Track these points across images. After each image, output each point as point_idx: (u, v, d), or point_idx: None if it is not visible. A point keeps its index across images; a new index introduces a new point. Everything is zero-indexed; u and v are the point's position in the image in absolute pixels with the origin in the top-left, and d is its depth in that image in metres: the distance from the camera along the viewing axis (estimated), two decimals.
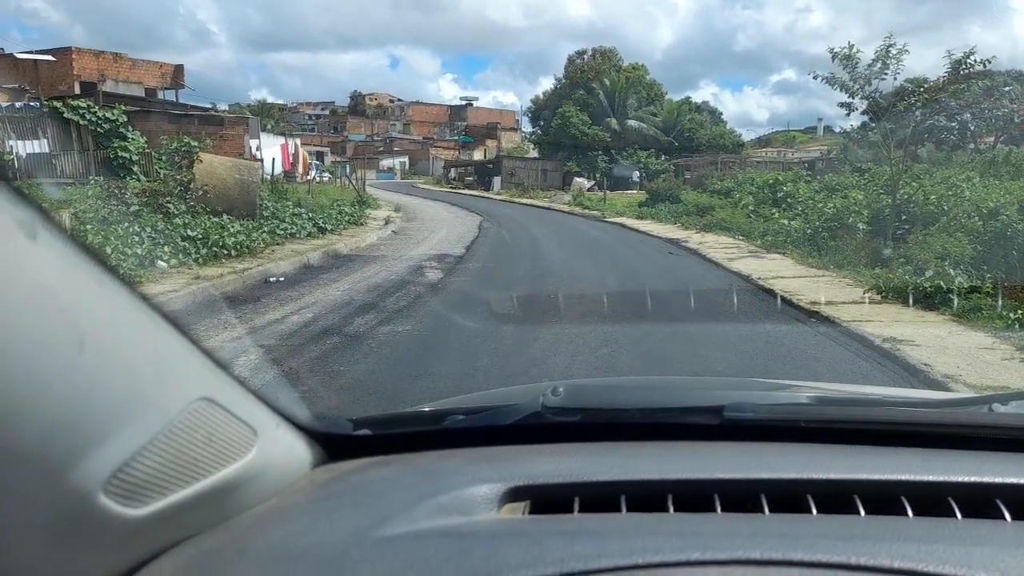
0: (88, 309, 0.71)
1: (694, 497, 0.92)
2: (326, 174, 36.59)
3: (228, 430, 0.88)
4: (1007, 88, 21.78)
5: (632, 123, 43.41)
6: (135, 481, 0.72)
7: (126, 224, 10.57)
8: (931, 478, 0.94)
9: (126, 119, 18.99)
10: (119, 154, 18.18)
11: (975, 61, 12.61)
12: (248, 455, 0.91)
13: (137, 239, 10.04)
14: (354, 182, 28.72)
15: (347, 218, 18.35)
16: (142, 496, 0.74)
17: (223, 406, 0.86)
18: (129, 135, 18.74)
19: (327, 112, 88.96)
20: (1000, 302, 7.73)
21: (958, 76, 12.86)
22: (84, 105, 18.88)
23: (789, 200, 19.75)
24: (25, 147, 18.29)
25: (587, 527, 0.87)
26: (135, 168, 18.14)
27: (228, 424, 0.88)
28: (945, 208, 12.61)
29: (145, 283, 8.74)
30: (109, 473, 0.69)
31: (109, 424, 0.70)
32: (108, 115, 18.68)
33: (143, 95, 30.78)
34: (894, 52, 12.45)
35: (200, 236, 11.05)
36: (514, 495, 0.93)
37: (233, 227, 12.37)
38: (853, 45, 12.75)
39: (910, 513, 0.89)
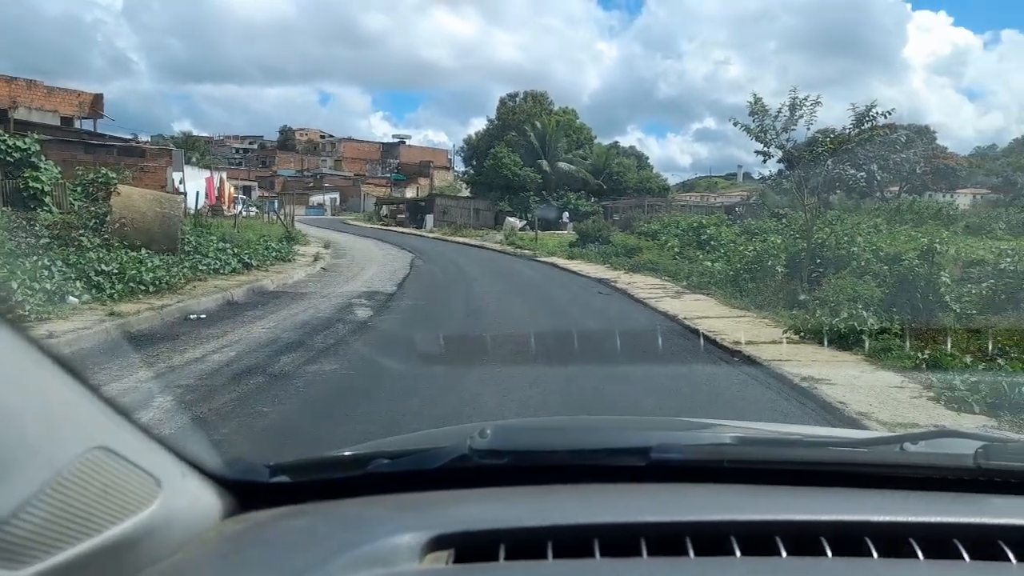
0: None
1: (621, 541, 0.92)
2: (253, 209, 35.78)
3: (127, 480, 0.83)
4: (905, 139, 23.43)
5: (563, 165, 44.32)
6: (15, 540, 0.66)
7: (35, 258, 10.03)
8: (848, 518, 0.97)
9: (39, 148, 18.10)
10: (30, 184, 17.24)
11: (876, 113, 13.52)
12: (150, 507, 0.86)
13: (47, 273, 9.52)
14: (282, 217, 28.20)
15: (274, 254, 17.95)
16: (24, 556, 0.68)
17: (121, 455, 0.82)
18: (41, 165, 17.83)
19: (255, 146, 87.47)
20: (908, 343, 8.15)
21: (862, 127, 13.72)
22: None
23: (712, 243, 20.48)
24: None
25: None
26: (47, 200, 17.24)
27: (127, 474, 0.83)
28: (855, 252, 13.32)
29: (54, 319, 8.28)
30: None
31: None
32: (19, 144, 17.76)
33: (59, 124, 29.53)
34: (807, 104, 13.22)
35: (115, 271, 10.57)
36: (438, 543, 0.91)
37: (152, 262, 11.88)
38: (760, 99, 13.51)
39: (829, 554, 0.91)
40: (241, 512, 1.07)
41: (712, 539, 0.93)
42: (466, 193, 51.67)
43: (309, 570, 0.83)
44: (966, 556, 0.91)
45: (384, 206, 54.09)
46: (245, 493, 1.10)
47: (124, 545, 0.81)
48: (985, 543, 0.93)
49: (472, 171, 51.28)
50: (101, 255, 11.23)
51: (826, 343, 8.81)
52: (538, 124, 45.97)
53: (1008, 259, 11.80)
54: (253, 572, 0.87)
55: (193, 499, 0.99)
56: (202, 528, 0.98)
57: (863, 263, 12.81)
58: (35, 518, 0.69)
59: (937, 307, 10.30)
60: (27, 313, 8.13)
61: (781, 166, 16.58)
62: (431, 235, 37.93)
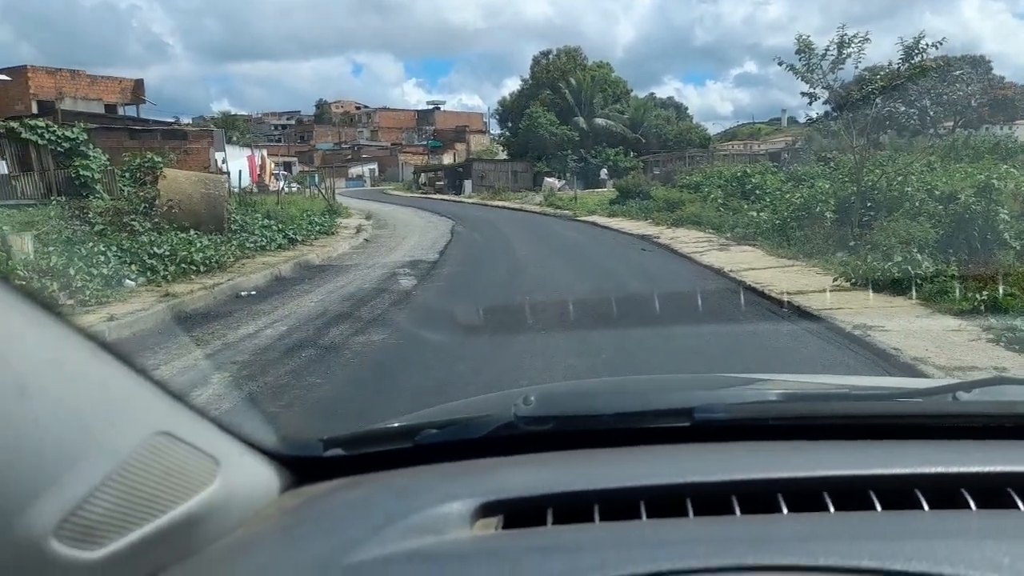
0: (28, 353, 0.70)
1: (667, 502, 0.93)
2: (295, 184, 36.27)
3: (187, 462, 0.86)
4: (959, 72, 22.32)
5: (600, 121, 43.62)
6: (88, 523, 0.71)
7: (90, 244, 10.38)
8: (897, 471, 0.96)
9: (86, 137, 18.64)
10: (81, 173, 17.84)
11: (927, 45, 12.87)
12: (211, 486, 0.89)
13: (103, 259, 9.85)
14: (323, 191, 28.52)
15: (318, 228, 18.20)
16: (97, 538, 0.72)
17: (180, 438, 0.85)
18: (90, 153, 18.39)
19: (293, 122, 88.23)
20: (964, 285, 7.89)
21: (911, 62, 13.10)
22: (42, 124, 18.50)
23: (757, 192, 19.99)
24: None
25: (559, 541, 0.87)
26: (98, 187, 17.81)
27: (187, 456, 0.86)
28: (908, 193, 12.85)
29: (113, 302, 8.59)
30: (60, 518, 0.68)
31: (57, 468, 0.69)
32: (68, 134, 18.32)
33: (103, 112, 30.22)
34: (856, 41, 12.67)
35: (167, 253, 10.88)
36: (487, 510, 0.93)
37: (201, 242, 12.19)
38: (807, 37, 12.97)
39: (878, 507, 0.90)
40: (297, 487, 1.11)
41: (759, 497, 0.93)
42: (503, 156, 51.36)
43: (364, 540, 0.86)
44: (1021, 505, 0.90)
45: (422, 174, 54.20)
46: (301, 468, 1.13)
47: (189, 523, 0.85)
48: None
49: (508, 133, 50.85)
50: (153, 238, 11.56)
51: (879, 289, 8.59)
52: (572, 81, 45.20)
53: None
54: (310, 543, 0.90)
55: (251, 476, 1.03)
56: (262, 504, 1.02)
57: (916, 204, 12.35)
58: (105, 503, 0.73)
59: (996, 246, 9.92)
60: (87, 298, 8.45)
61: (828, 108, 15.98)
62: (470, 201, 37.92)
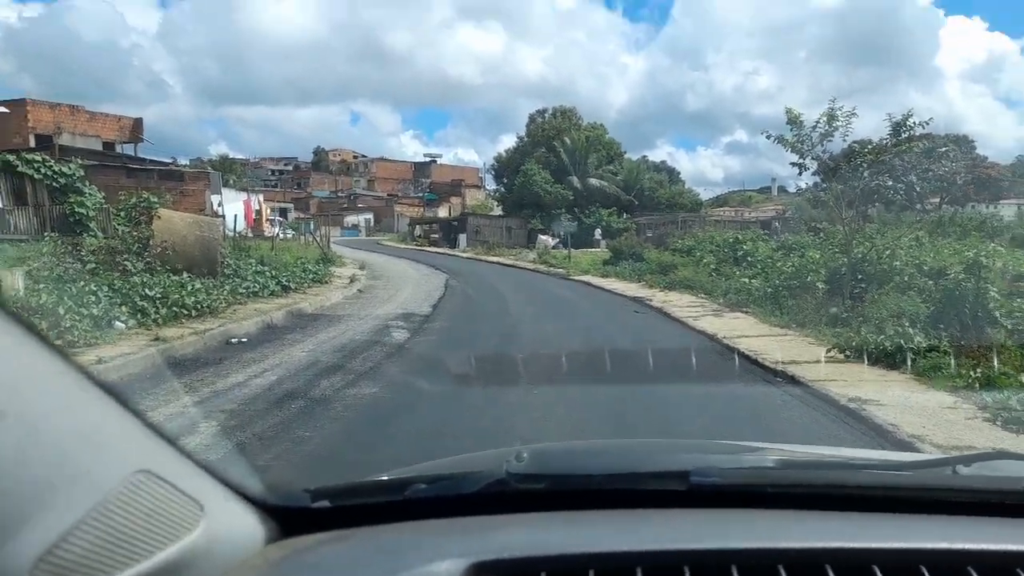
0: (11, 380, 0.67)
1: (663, 568, 0.91)
2: (290, 231, 36.38)
3: (170, 505, 0.83)
4: (944, 149, 22.97)
5: (593, 181, 44.28)
6: (65, 564, 0.66)
7: (81, 283, 10.29)
8: (901, 545, 0.94)
9: (83, 174, 18.68)
10: (75, 210, 17.81)
11: (914, 123, 13.27)
12: (194, 532, 0.86)
13: (93, 298, 9.76)
14: (318, 239, 28.60)
15: (311, 276, 18.18)
16: None
17: (165, 479, 0.82)
18: (86, 190, 18.41)
19: (290, 168, 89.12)
20: (958, 361, 7.92)
21: (899, 137, 13.48)
22: (39, 159, 18.54)
23: (749, 259, 20.22)
24: None
25: None
26: (92, 224, 17.76)
27: (171, 498, 0.83)
28: (897, 267, 13.02)
29: (102, 344, 8.47)
30: (36, 556, 0.64)
31: (35, 502, 0.65)
32: (64, 169, 18.36)
33: (101, 148, 30.41)
34: (843, 113, 13.03)
35: (159, 295, 10.79)
36: (477, 570, 0.91)
37: (193, 285, 12.12)
38: (796, 112, 13.35)
39: None
40: (283, 537, 1.08)
41: (758, 567, 0.90)
42: (498, 211, 51.88)
43: None
44: None
45: (417, 226, 54.57)
46: (287, 518, 1.10)
47: (169, 570, 0.81)
48: None
49: (503, 189, 51.50)
50: (145, 279, 11.48)
51: (872, 362, 8.60)
52: (567, 140, 46.04)
53: None
54: None
55: (236, 524, 0.99)
56: (246, 553, 0.98)
57: (906, 278, 12.49)
58: (84, 542, 0.69)
59: (987, 323, 10.00)
60: (76, 339, 8.32)
61: (817, 178, 16.34)
62: (464, 255, 38.12)
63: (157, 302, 10.57)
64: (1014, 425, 5.93)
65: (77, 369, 0.76)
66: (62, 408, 0.72)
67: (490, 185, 62.24)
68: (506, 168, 50.27)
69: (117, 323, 9.48)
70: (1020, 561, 0.91)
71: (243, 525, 1.01)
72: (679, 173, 54.30)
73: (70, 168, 18.54)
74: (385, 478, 1.29)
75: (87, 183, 18.73)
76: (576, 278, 23.63)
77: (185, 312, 10.81)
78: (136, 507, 0.76)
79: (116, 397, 0.80)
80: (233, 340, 9.88)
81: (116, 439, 0.78)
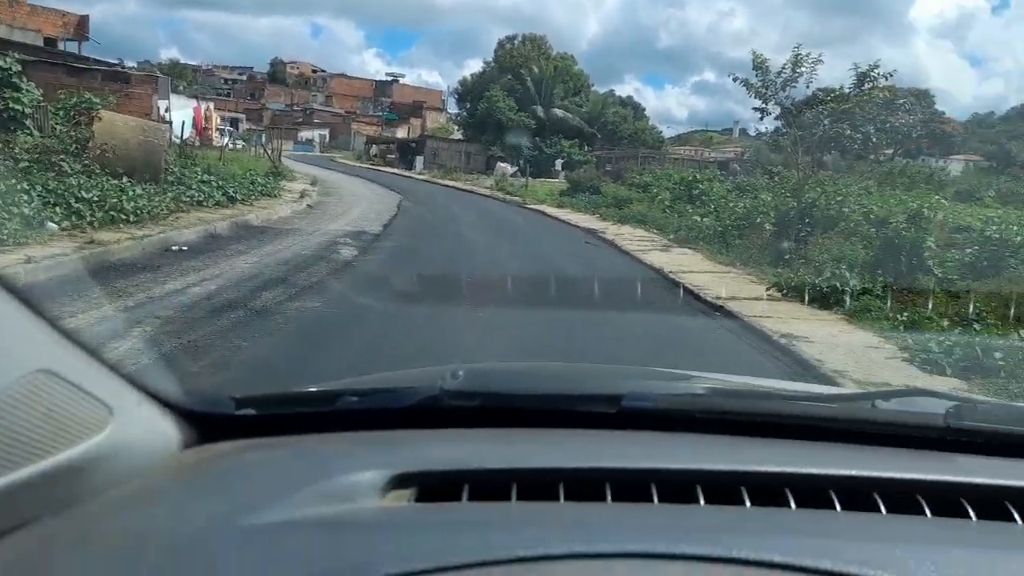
0: None
1: (586, 486, 0.92)
2: (240, 141, 35.16)
3: (73, 406, 0.80)
4: (902, 101, 23.23)
5: (558, 112, 43.67)
6: None
7: (13, 181, 9.80)
8: (815, 471, 0.97)
9: (20, 69, 17.56)
10: (10, 106, 16.75)
11: (878, 74, 13.35)
12: (100, 434, 0.84)
13: (25, 197, 9.31)
14: (269, 152, 27.75)
15: (260, 189, 17.67)
16: None
17: (68, 380, 0.79)
18: (22, 86, 17.31)
19: (244, 77, 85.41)
20: (888, 304, 8.22)
21: (862, 88, 13.57)
22: None
23: (704, 198, 20.38)
24: None
25: (472, 517, 0.85)
26: (28, 122, 16.80)
27: (73, 400, 0.80)
28: (845, 213, 13.31)
29: (32, 244, 8.16)
30: None
31: None
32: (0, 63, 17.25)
33: (42, 44, 28.60)
34: (810, 61, 13.02)
35: (96, 198, 10.37)
36: (400, 482, 0.90)
37: (134, 191, 11.67)
38: (763, 55, 13.30)
39: (793, 505, 0.91)
40: (204, 443, 1.06)
41: (678, 487, 0.92)
42: (458, 136, 50.96)
43: (267, 502, 0.82)
44: (928, 512, 0.92)
45: (374, 145, 53.28)
46: (209, 425, 1.08)
47: (72, 471, 0.80)
48: (949, 501, 0.94)
49: (466, 114, 50.45)
50: (82, 182, 10.99)
51: (808, 301, 8.88)
52: (535, 68, 45.10)
53: (994, 227, 11.84)
54: (210, 501, 0.86)
55: (149, 428, 0.97)
56: (159, 458, 0.96)
57: (852, 224, 12.81)
58: None
59: (920, 271, 10.37)
60: (4, 237, 7.99)
61: (779, 123, 16.43)
62: (421, 177, 37.53)
63: (94, 205, 10.16)
64: (929, 366, 6.23)
65: None
66: None
67: (452, 109, 60.94)
68: (470, 93, 49.15)
69: (50, 224, 9.11)
70: (922, 488, 0.94)
71: (158, 430, 0.98)
72: (644, 109, 53.88)
73: (6, 62, 17.38)
74: (316, 389, 1.26)
75: (24, 79, 17.64)
76: (532, 207, 23.56)
77: (123, 217, 10.43)
78: (33, 407, 0.74)
79: (17, 296, 0.76)
80: (173, 248, 9.62)
81: (15, 338, 0.75)
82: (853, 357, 6.43)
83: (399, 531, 0.78)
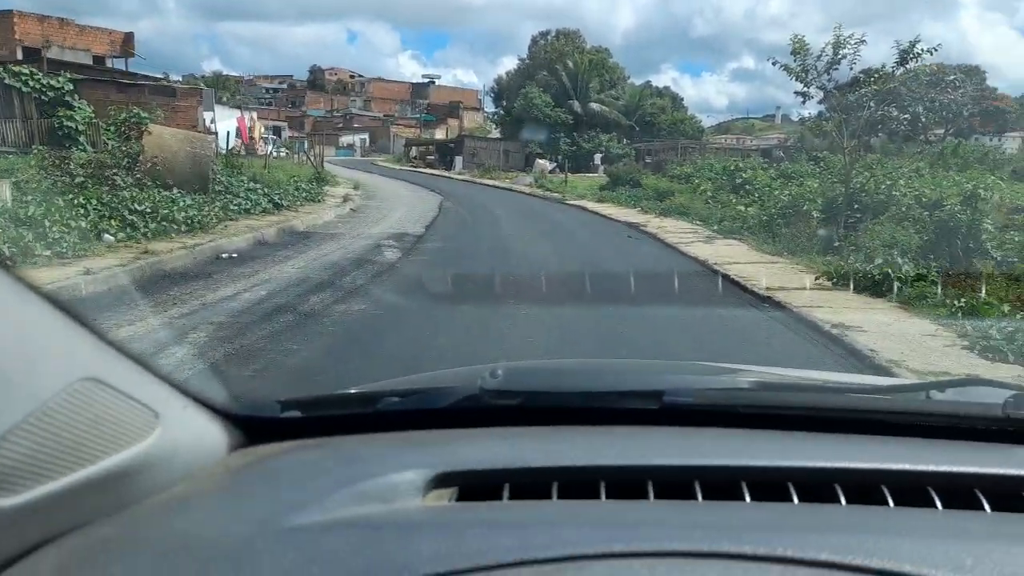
0: None
1: (628, 483, 0.91)
2: (283, 149, 35.84)
3: (120, 412, 0.82)
4: (951, 78, 22.41)
5: (595, 106, 43.35)
6: (2, 468, 0.67)
7: (70, 196, 10.19)
8: (865, 465, 0.94)
9: (72, 87, 18.27)
10: (64, 123, 17.51)
11: (921, 50, 12.89)
12: (147, 439, 0.85)
13: (82, 211, 9.69)
14: (312, 158, 28.20)
15: (304, 195, 18.01)
16: (12, 484, 0.69)
17: (114, 386, 0.81)
18: (75, 104, 18.04)
19: (285, 86, 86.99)
20: (944, 290, 7.96)
21: (906, 65, 13.14)
22: (27, 72, 18.08)
23: (747, 187, 20.04)
24: None
25: (512, 516, 0.84)
26: (81, 138, 17.49)
27: (120, 406, 0.82)
28: (895, 197, 12.93)
29: (91, 256, 8.47)
30: None
31: None
32: (53, 83, 17.95)
33: (91, 63, 29.56)
34: (852, 42, 12.67)
35: (149, 210, 10.71)
36: (441, 481, 0.90)
37: (184, 201, 12.02)
38: (802, 37, 12.98)
39: (843, 501, 0.89)
40: (249, 447, 1.08)
41: (722, 484, 0.91)
42: (496, 134, 51.01)
43: (309, 503, 0.83)
44: (987, 507, 0.88)
45: (413, 147, 53.72)
46: (255, 429, 1.10)
47: (120, 475, 0.81)
48: (1009, 495, 0.90)
49: (502, 112, 50.45)
50: (134, 194, 11.36)
51: (859, 290, 8.66)
52: (570, 63, 44.82)
53: None
54: (252, 502, 0.87)
55: (196, 433, 0.99)
56: (206, 462, 0.98)
57: (903, 209, 12.43)
58: (20, 448, 0.69)
59: (977, 254, 10.02)
60: (64, 250, 8.31)
61: (821, 107, 16.02)
62: (460, 177, 37.70)
63: (147, 216, 10.49)
64: (991, 353, 6.02)
65: (18, 279, 0.75)
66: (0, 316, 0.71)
67: (489, 108, 61.03)
68: (506, 91, 49.13)
69: (106, 236, 9.44)
70: (980, 482, 0.91)
71: (205, 434, 1.00)
72: (682, 99, 52.93)
73: (59, 81, 18.11)
74: (358, 391, 1.28)
75: (76, 97, 18.32)
76: (572, 203, 23.45)
77: (175, 227, 10.75)
78: (81, 414, 0.75)
79: (59, 305, 0.79)
80: (223, 255, 9.87)
81: (61, 347, 0.77)
82: (909, 346, 6.25)
83: (439, 531, 0.78)
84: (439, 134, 60.46)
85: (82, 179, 11.65)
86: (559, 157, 38.96)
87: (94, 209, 10.00)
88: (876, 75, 13.82)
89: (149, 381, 0.91)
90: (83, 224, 9.19)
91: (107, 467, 0.79)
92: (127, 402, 0.83)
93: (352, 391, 1.29)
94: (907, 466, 0.94)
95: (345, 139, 64.01)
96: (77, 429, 0.75)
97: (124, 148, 14.29)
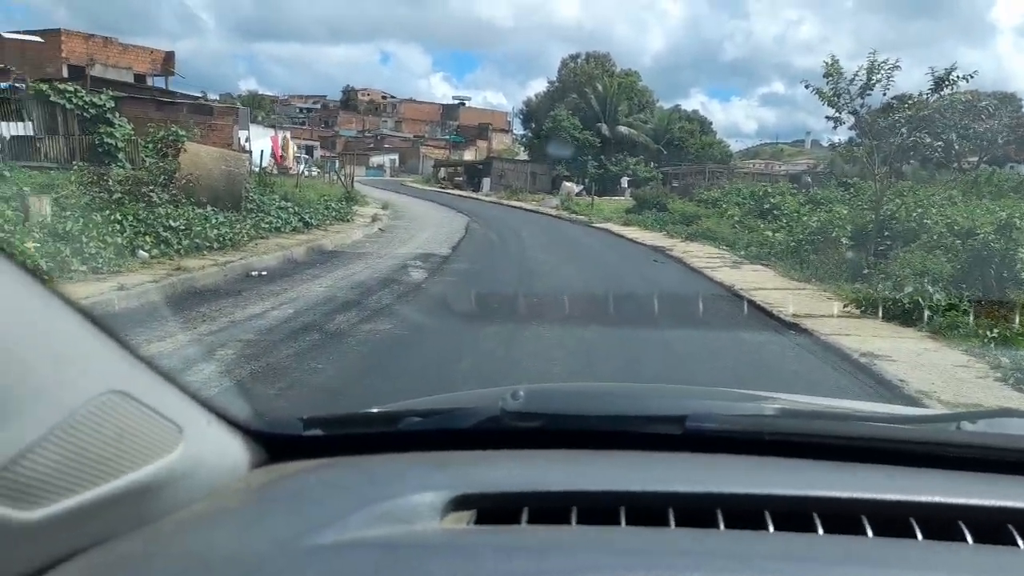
0: None
1: (649, 510, 0.90)
2: (315, 168, 36.38)
3: (145, 426, 0.82)
4: (984, 105, 22.01)
5: (623, 129, 43.46)
6: (25, 481, 0.66)
7: (107, 212, 10.45)
8: (893, 497, 0.92)
9: (113, 105, 18.75)
10: (104, 140, 17.96)
11: (957, 77, 12.74)
12: (171, 454, 0.86)
13: (118, 227, 9.92)
14: (342, 178, 28.59)
15: (334, 214, 18.24)
16: (35, 497, 0.68)
17: (140, 400, 0.81)
18: (116, 121, 18.50)
19: (319, 106, 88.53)
20: (976, 320, 7.81)
21: (941, 92, 12.98)
22: (71, 89, 18.61)
23: (775, 212, 19.87)
24: (9, 129, 18.03)
25: (530, 541, 0.84)
26: (120, 155, 17.91)
27: (145, 420, 0.82)
28: (927, 225, 12.74)
29: (125, 272, 8.65)
30: None
31: None
32: (95, 100, 18.43)
33: (132, 80, 30.42)
34: (886, 68, 12.56)
35: (183, 227, 10.94)
36: (460, 503, 0.90)
37: (217, 219, 12.26)
38: (836, 60, 12.88)
39: (869, 533, 0.87)
40: (271, 464, 1.08)
41: (745, 513, 0.89)
42: (524, 156, 51.29)
43: (329, 523, 0.84)
44: (1021, 543, 0.86)
45: (442, 168, 54.20)
46: (277, 446, 1.11)
47: (143, 490, 0.82)
48: None
49: (531, 134, 50.78)
50: (169, 211, 11.62)
51: (889, 318, 8.52)
52: (599, 86, 45.06)
53: None
54: (273, 521, 0.88)
55: (220, 449, 0.99)
56: (229, 478, 0.99)
57: (935, 237, 12.23)
58: (45, 460, 0.68)
59: (1012, 285, 9.80)
60: (100, 265, 8.51)
61: (853, 133, 15.90)
62: (487, 199, 37.91)
63: (180, 233, 10.72)
64: None
65: (51, 291, 0.75)
66: (24, 327, 0.70)
67: (518, 130, 61.46)
68: (535, 113, 49.51)
69: (140, 252, 9.65)
70: (1012, 517, 0.89)
71: (227, 449, 1.01)
72: (711, 124, 52.79)
73: (101, 99, 18.61)
74: (380, 410, 1.28)
75: (117, 114, 18.81)
76: (598, 226, 23.45)
77: (207, 244, 10.96)
78: (106, 427, 0.75)
79: (88, 317, 0.79)
80: (253, 273, 10.03)
81: (85, 359, 0.77)
82: (940, 376, 6.13)
83: (456, 554, 0.78)
84: (468, 155, 60.98)
85: (119, 195, 11.95)
86: (586, 180, 39.05)
87: (130, 225, 10.24)
88: (909, 101, 13.69)
89: (174, 396, 0.91)
90: (119, 240, 9.42)
91: (131, 481, 0.79)
92: (152, 416, 0.84)
93: (374, 410, 1.29)
94: (937, 498, 0.92)
95: (375, 159, 64.82)
96: (102, 442, 0.75)
97: (161, 165, 14.63)
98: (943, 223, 12.80)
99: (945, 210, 14.51)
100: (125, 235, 9.77)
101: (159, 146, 17.25)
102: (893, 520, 0.89)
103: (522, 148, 54.89)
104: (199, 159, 14.71)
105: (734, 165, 43.10)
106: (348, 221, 18.52)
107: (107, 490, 0.76)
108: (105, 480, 0.76)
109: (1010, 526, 0.88)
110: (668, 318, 8.14)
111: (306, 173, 31.57)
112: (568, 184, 39.27)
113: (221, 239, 11.36)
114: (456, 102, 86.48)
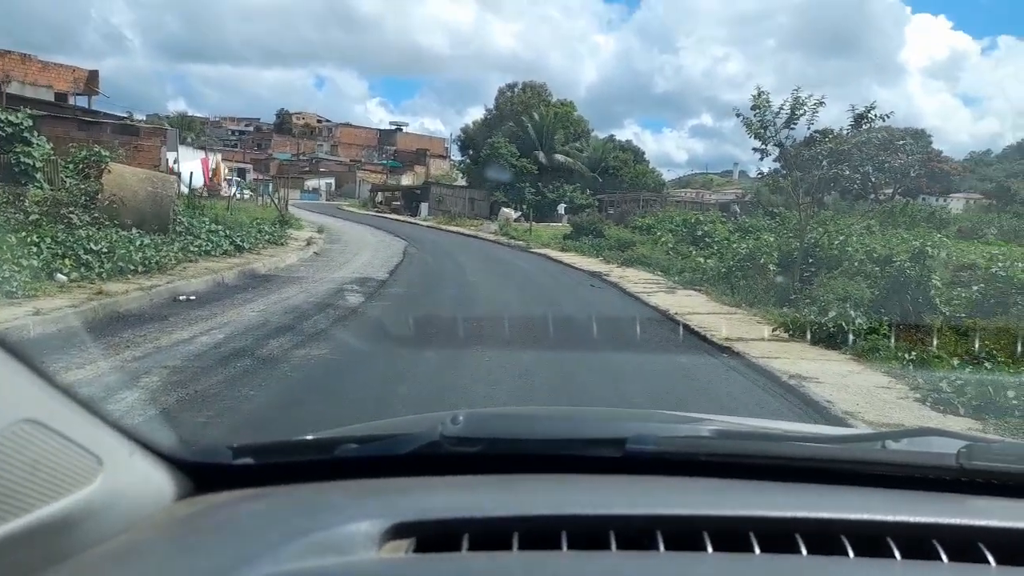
0: None
1: (589, 533, 0.90)
2: (247, 191, 35.58)
3: (61, 457, 0.78)
4: (901, 143, 23.47)
5: (559, 157, 44.19)
6: None
7: (23, 234, 9.93)
8: (825, 515, 0.94)
9: (31, 124, 17.95)
10: (21, 160, 17.12)
11: (875, 115, 13.52)
12: (89, 486, 0.82)
13: (35, 249, 9.44)
14: (276, 201, 28.06)
15: (267, 237, 17.85)
16: None
17: (55, 430, 0.77)
18: (34, 141, 17.68)
19: (251, 128, 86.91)
20: (896, 343, 8.18)
21: (860, 128, 13.73)
22: None
23: (706, 239, 20.49)
24: None
25: (470, 568, 0.83)
26: (38, 176, 17.11)
27: (61, 451, 0.78)
28: (848, 252, 13.35)
29: (41, 296, 8.22)
30: None
31: None
32: (11, 119, 17.59)
33: (53, 99, 29.22)
34: (810, 103, 13.20)
35: (105, 250, 10.48)
36: (398, 532, 0.88)
37: (142, 241, 11.81)
38: (766, 93, 13.48)
39: (804, 551, 0.89)
40: (198, 494, 1.04)
41: (684, 534, 0.90)
42: (462, 182, 51.50)
43: (257, 555, 0.80)
44: (944, 557, 0.89)
45: (379, 193, 53.86)
46: (205, 476, 1.06)
47: (60, 525, 0.78)
48: (965, 545, 0.91)
49: (469, 160, 51.08)
50: (91, 233, 11.13)
51: (815, 341, 8.84)
52: (536, 115, 45.76)
53: (999, 264, 11.84)
54: (197, 555, 0.84)
55: (142, 480, 0.95)
56: (151, 510, 0.94)
57: (855, 264, 12.84)
58: None
59: (927, 309, 10.33)
60: (14, 289, 8.06)
61: (777, 165, 16.59)
62: (425, 223, 37.81)
63: (102, 256, 10.26)
64: (942, 405, 6.17)
65: None
66: None
67: (456, 156, 61.67)
68: (473, 140, 49.83)
69: (59, 275, 9.19)
70: (936, 532, 0.92)
71: (151, 481, 0.97)
72: (644, 153, 54.20)
73: (17, 117, 17.78)
74: (317, 437, 1.24)
75: (36, 133, 17.99)
76: (536, 251, 23.66)
77: (132, 268, 10.52)
78: (17, 458, 0.72)
79: (3, 345, 0.75)
80: (181, 297, 9.67)
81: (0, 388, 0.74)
82: (864, 397, 6.37)
83: None
84: (405, 180, 60.81)
85: (37, 217, 11.41)
86: (524, 206, 39.40)
87: (47, 248, 9.76)
88: (831, 135, 14.40)
89: (93, 425, 0.87)
90: (35, 263, 8.95)
91: (46, 515, 0.75)
92: (68, 446, 0.80)
93: (308, 438, 1.25)
94: (866, 516, 0.94)
95: (311, 183, 63.91)
96: (13, 474, 0.71)
97: (83, 186, 14.04)
98: (863, 251, 13.45)
99: (864, 239, 15.26)
100: (42, 257, 9.30)
101: (81, 167, 16.57)
102: (826, 537, 0.90)
103: (460, 174, 55.10)
104: (124, 180, 14.19)
105: (667, 193, 44.36)
106: (282, 245, 18.14)
107: (20, 525, 0.72)
108: (17, 514, 0.72)
109: (935, 541, 0.91)
110: (606, 341, 8.24)
111: (238, 196, 30.83)
112: (506, 210, 39.56)
113: (147, 262, 10.93)
114: (393, 127, 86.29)
